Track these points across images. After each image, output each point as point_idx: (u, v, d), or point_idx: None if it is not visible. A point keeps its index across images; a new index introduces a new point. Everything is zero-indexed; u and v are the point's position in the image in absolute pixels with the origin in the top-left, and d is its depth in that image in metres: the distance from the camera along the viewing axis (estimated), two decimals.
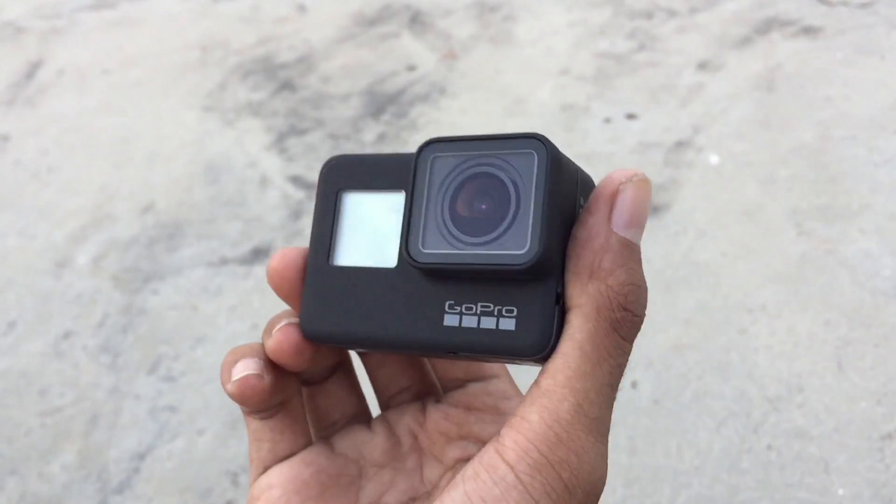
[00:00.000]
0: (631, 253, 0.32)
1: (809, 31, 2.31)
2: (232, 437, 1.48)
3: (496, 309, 0.35)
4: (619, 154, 1.98)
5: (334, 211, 0.41)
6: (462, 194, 0.36)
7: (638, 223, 0.33)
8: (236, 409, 1.53)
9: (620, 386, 0.34)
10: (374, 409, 0.49)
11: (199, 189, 2.00)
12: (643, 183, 0.34)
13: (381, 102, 2.23)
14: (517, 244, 0.34)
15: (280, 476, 0.41)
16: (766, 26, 2.36)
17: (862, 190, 1.80)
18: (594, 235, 0.33)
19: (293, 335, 0.41)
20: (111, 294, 1.76)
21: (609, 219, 0.33)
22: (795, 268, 1.67)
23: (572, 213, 0.36)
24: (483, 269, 0.35)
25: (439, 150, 0.37)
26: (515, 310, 0.35)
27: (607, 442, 0.32)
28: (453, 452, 0.43)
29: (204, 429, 1.50)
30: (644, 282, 0.33)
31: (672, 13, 2.48)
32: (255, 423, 0.43)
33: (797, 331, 1.55)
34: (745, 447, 1.38)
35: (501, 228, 0.35)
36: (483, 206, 0.36)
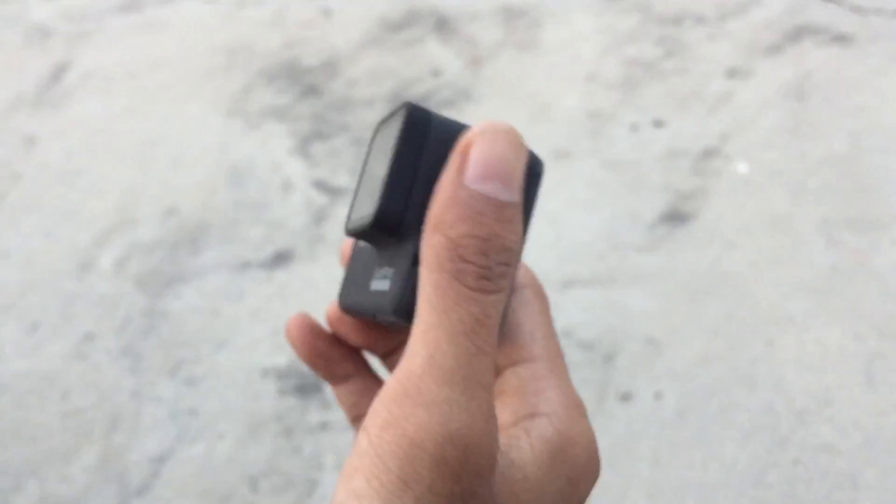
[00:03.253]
0: (484, 205, 0.31)
1: (841, 39, 2.28)
2: (252, 441, 1.48)
3: (384, 271, 0.37)
4: (645, 161, 1.96)
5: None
6: (366, 167, 0.39)
7: (497, 175, 0.31)
8: (257, 413, 1.52)
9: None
10: None
11: (223, 193, 2.00)
12: (499, 133, 0.32)
13: None
14: (370, 204, 0.36)
15: None
16: (797, 34, 2.33)
17: (893, 200, 1.77)
18: (442, 190, 0.32)
19: (332, 307, 0.45)
20: (134, 297, 1.76)
21: (460, 173, 0.31)
22: (825, 279, 1.64)
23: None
24: (357, 230, 0.37)
25: (381, 125, 0.39)
26: (392, 271, 0.36)
27: (482, 395, 0.30)
28: None
29: (224, 433, 1.49)
30: (503, 234, 0.31)
31: (701, 20, 2.46)
32: (335, 389, 0.46)
33: (826, 343, 1.53)
34: (771, 461, 1.36)
35: (371, 190, 0.36)
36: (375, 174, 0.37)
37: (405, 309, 0.34)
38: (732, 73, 2.22)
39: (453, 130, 0.36)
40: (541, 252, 1.76)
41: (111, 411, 1.55)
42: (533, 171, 0.36)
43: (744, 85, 2.17)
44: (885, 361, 1.48)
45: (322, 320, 0.46)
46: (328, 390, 1.52)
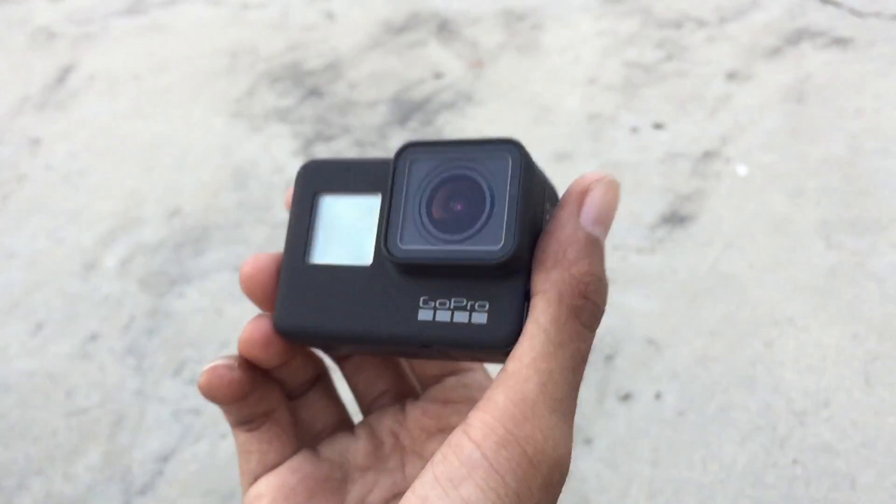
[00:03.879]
0: (595, 248, 0.34)
1: (840, 42, 2.29)
2: None
3: (469, 303, 0.37)
4: (646, 163, 1.97)
5: (311, 212, 0.43)
6: (439, 195, 0.38)
7: (604, 221, 0.35)
8: None
9: (586, 375, 0.36)
10: (356, 416, 0.49)
11: (226, 194, 2.01)
12: (612, 184, 0.35)
13: (408, 110, 2.24)
14: (492, 240, 0.36)
15: (269, 485, 0.42)
16: (797, 37, 2.34)
17: (892, 203, 1.78)
18: (562, 227, 0.35)
19: (263, 326, 0.42)
20: (138, 297, 1.77)
21: (578, 213, 0.34)
22: (824, 281, 1.65)
23: (540, 216, 0.38)
24: (459, 264, 0.37)
25: (417, 153, 0.39)
26: (488, 304, 0.37)
27: (572, 426, 0.33)
28: (433, 446, 0.44)
29: (227, 432, 1.50)
30: (605, 276, 0.34)
31: (701, 23, 2.47)
32: (243, 436, 0.44)
33: (825, 344, 1.54)
34: (770, 461, 1.37)
35: (477, 226, 0.37)
36: (458, 206, 0.37)
37: (515, 340, 0.35)
38: (732, 76, 2.23)
39: (541, 176, 0.39)
40: None
41: (115, 411, 1.56)
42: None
43: (743, 88, 2.18)
44: (884, 362, 1.49)
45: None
46: None
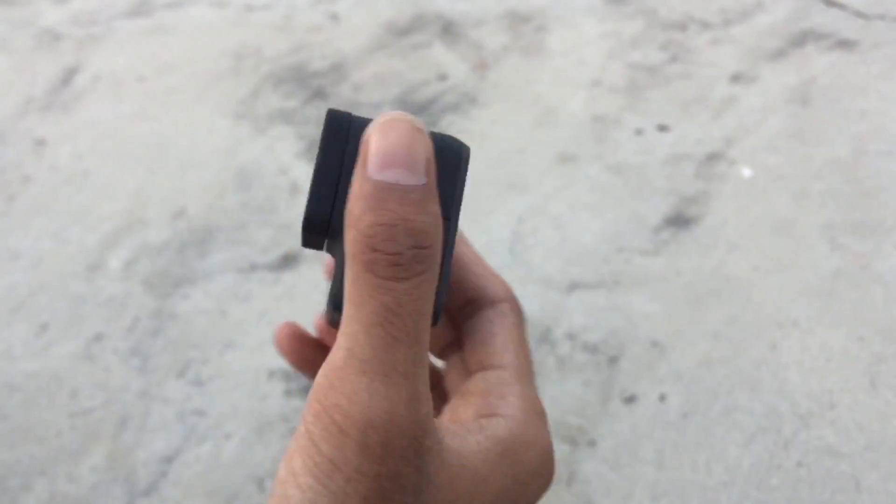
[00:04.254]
0: (386, 194, 0.32)
1: (845, 44, 2.29)
2: (259, 442, 1.49)
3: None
4: (650, 165, 1.97)
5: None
6: None
7: (395, 163, 0.32)
8: (264, 414, 1.53)
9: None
10: None
11: (231, 195, 2.01)
12: (390, 123, 0.33)
13: (412, 111, 2.24)
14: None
15: None
16: (801, 39, 2.34)
17: None
18: (352, 186, 0.33)
19: (321, 319, 0.48)
20: (142, 298, 1.77)
21: (363, 166, 0.33)
22: (828, 283, 1.65)
23: None
24: (302, 240, 0.38)
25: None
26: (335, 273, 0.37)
27: (396, 382, 0.31)
28: None
29: (231, 433, 1.51)
30: (408, 218, 0.32)
31: (706, 25, 2.47)
32: None
33: (830, 346, 1.53)
34: (774, 463, 1.37)
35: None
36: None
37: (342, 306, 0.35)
38: (737, 78, 2.23)
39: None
40: (546, 255, 1.77)
41: (119, 411, 1.56)
42: (452, 155, 0.36)
43: (748, 90, 2.18)
44: (889, 365, 1.49)
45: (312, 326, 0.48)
46: None
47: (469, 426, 0.34)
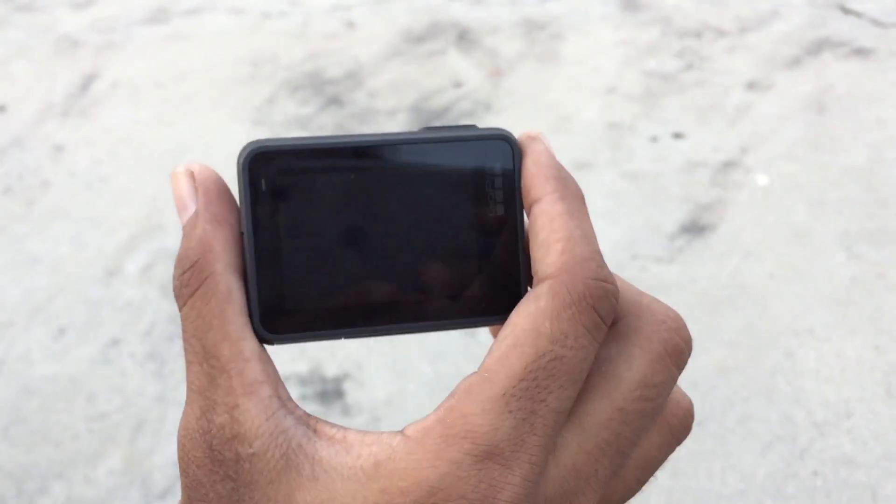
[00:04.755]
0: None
1: (862, 52, 2.28)
2: None
3: None
4: (665, 173, 1.97)
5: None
6: None
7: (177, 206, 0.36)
8: None
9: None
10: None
11: None
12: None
13: (428, 118, 2.25)
14: None
15: None
16: (818, 47, 2.33)
17: None
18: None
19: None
20: (159, 303, 1.79)
21: None
22: (845, 291, 1.64)
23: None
24: None
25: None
26: None
27: (190, 398, 0.33)
28: None
29: None
30: (179, 250, 0.34)
31: (721, 33, 2.47)
32: None
33: (846, 355, 1.53)
34: (790, 472, 1.36)
35: None
36: None
37: None
38: (752, 86, 2.23)
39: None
40: None
41: (136, 415, 1.57)
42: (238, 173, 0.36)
43: (764, 97, 2.18)
44: None
45: None
46: (348, 397, 1.54)
47: (363, 440, 0.32)
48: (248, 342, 0.32)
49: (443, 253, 0.35)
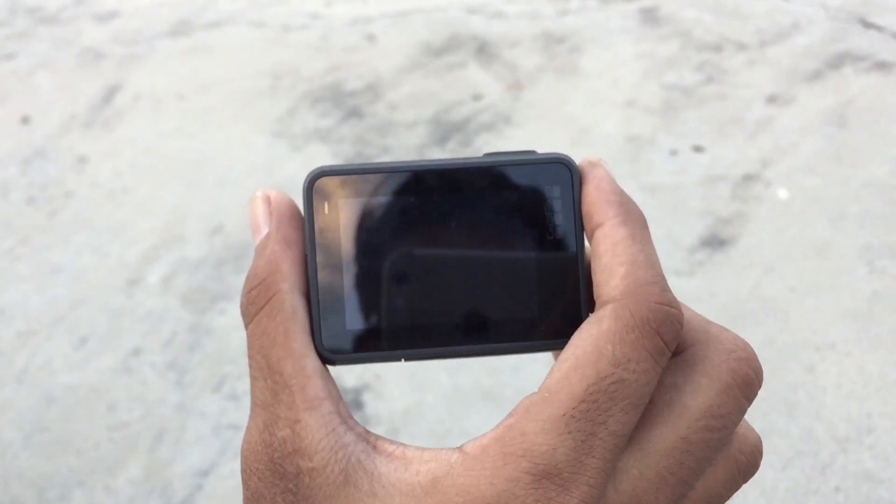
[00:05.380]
0: None
1: (883, 66, 2.28)
2: None
3: None
4: (685, 186, 1.97)
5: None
6: None
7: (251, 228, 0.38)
8: None
9: None
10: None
11: None
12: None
13: (447, 131, 2.26)
14: None
15: None
16: (839, 61, 2.32)
17: None
18: None
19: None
20: (180, 313, 1.80)
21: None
22: (866, 306, 1.63)
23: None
24: None
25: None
26: None
27: (254, 413, 0.34)
28: None
29: None
30: (250, 268, 0.36)
31: (741, 46, 2.46)
32: None
33: (868, 370, 1.52)
34: (812, 488, 1.35)
35: None
36: None
37: None
38: (773, 100, 2.22)
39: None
40: None
41: (156, 425, 1.58)
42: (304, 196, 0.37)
43: (784, 111, 2.17)
44: None
45: None
46: (367, 408, 1.54)
47: (422, 456, 0.32)
48: (311, 360, 0.34)
49: (502, 277, 0.35)
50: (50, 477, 1.51)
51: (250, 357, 0.34)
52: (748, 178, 1.97)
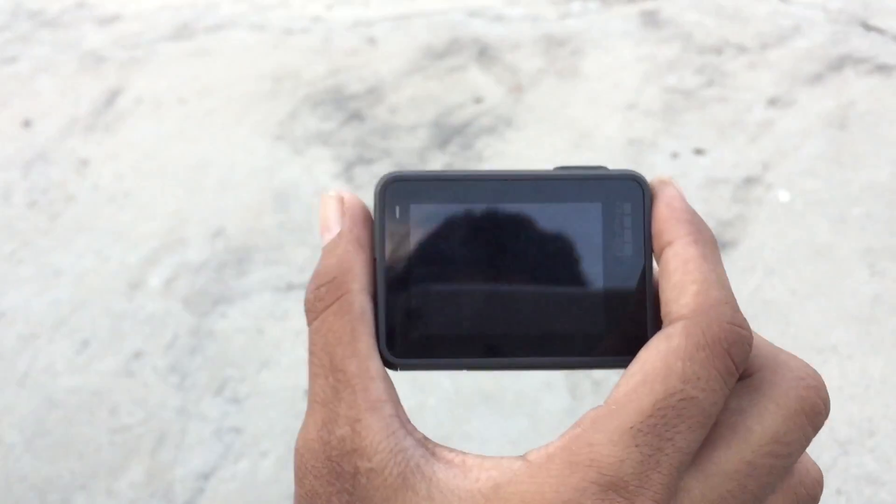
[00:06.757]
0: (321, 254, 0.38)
1: (884, 68, 2.28)
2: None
3: None
4: (686, 189, 1.97)
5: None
6: None
7: (320, 229, 0.38)
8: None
9: None
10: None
11: (269, 216, 2.04)
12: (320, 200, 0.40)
13: (448, 134, 2.26)
14: None
15: None
16: (839, 63, 2.33)
17: None
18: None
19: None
20: (181, 316, 1.80)
21: None
22: (868, 309, 1.63)
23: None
24: None
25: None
26: None
27: (314, 410, 0.33)
28: None
29: (267, 451, 1.52)
30: (318, 266, 0.36)
31: (742, 49, 2.46)
32: None
33: (869, 373, 1.52)
34: None
35: None
36: None
37: None
38: (774, 102, 2.22)
39: None
40: None
41: (158, 428, 1.58)
42: (376, 200, 0.37)
43: (785, 113, 2.17)
44: None
45: None
46: None
47: (482, 464, 0.32)
48: (375, 362, 0.33)
49: (569, 290, 0.36)
50: (51, 480, 1.51)
51: (312, 353, 0.34)
52: (749, 181, 1.97)
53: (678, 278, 0.33)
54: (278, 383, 1.64)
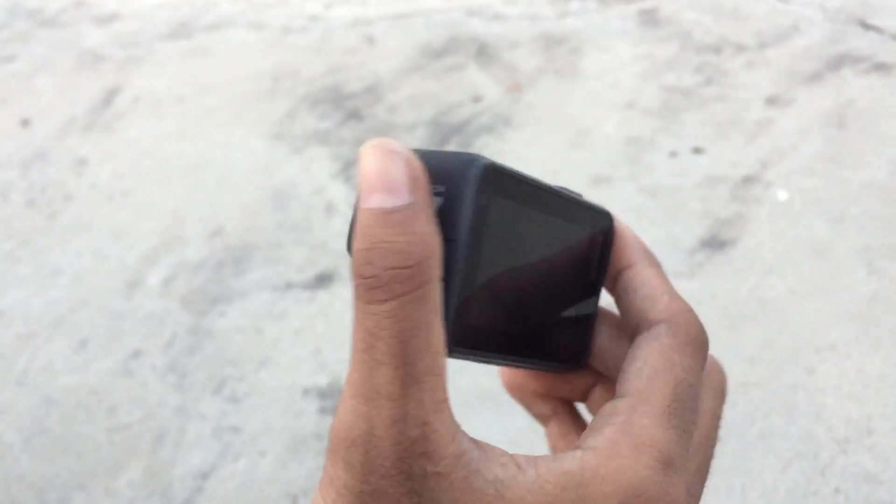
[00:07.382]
0: (370, 219, 0.32)
1: (882, 67, 2.28)
2: (293, 459, 1.50)
3: None
4: (684, 188, 1.97)
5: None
6: None
7: (376, 188, 0.32)
8: (298, 432, 1.54)
9: None
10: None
11: (267, 215, 2.04)
12: (365, 152, 0.32)
13: (447, 133, 2.26)
14: None
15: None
16: (838, 62, 2.33)
17: None
18: None
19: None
20: (180, 315, 1.80)
21: (358, 199, 0.33)
22: (866, 307, 1.63)
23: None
24: None
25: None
26: None
27: (379, 404, 0.32)
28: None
29: (266, 450, 1.52)
30: (386, 240, 0.32)
31: (741, 48, 2.47)
32: (545, 429, 0.48)
33: (867, 371, 1.52)
34: (811, 489, 1.35)
35: None
36: None
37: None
38: (772, 101, 2.22)
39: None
40: None
41: (156, 427, 1.58)
42: (457, 176, 0.35)
43: (783, 112, 2.17)
44: None
45: None
46: None
47: (530, 461, 0.33)
48: (443, 358, 0.32)
49: (561, 300, 0.41)
50: (50, 479, 1.51)
51: (378, 339, 0.31)
52: (748, 180, 1.97)
53: (647, 291, 0.39)
54: (277, 382, 1.64)
